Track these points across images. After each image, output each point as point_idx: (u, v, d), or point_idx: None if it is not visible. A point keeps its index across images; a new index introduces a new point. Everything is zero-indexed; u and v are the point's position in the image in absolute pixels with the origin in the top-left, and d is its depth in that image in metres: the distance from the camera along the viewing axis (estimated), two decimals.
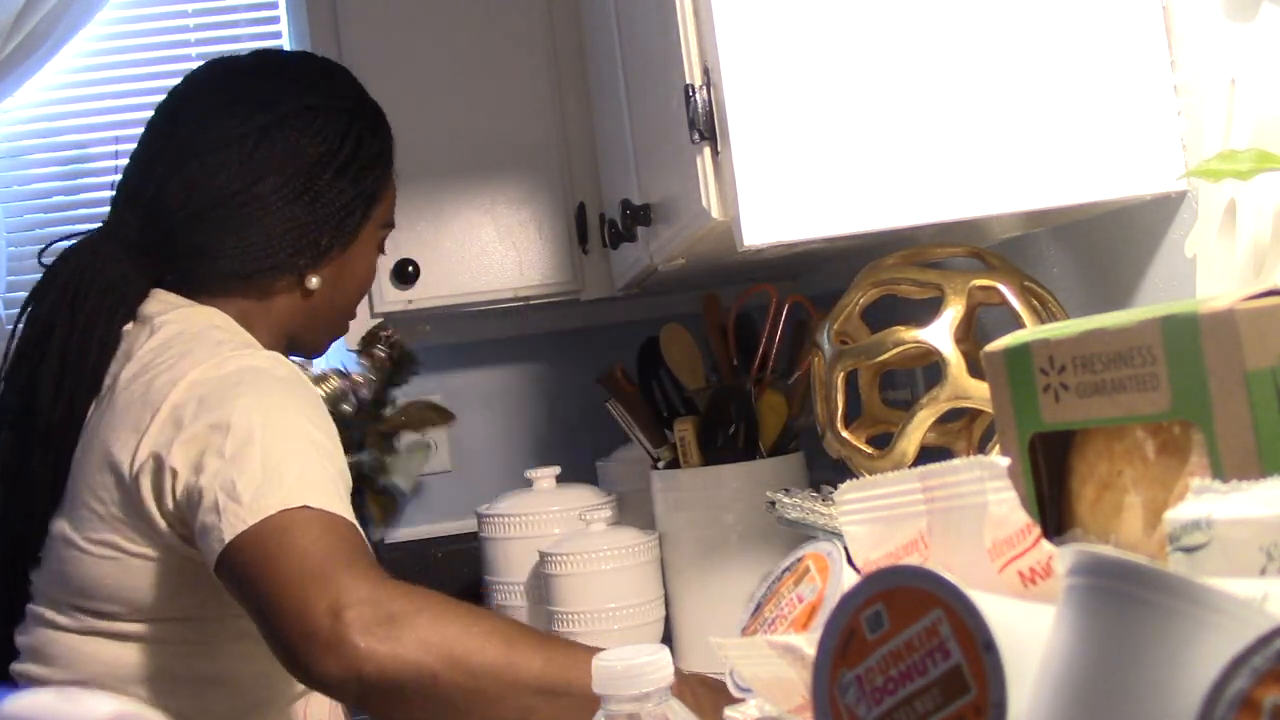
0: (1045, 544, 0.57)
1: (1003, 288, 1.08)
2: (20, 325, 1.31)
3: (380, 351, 1.90)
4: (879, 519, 0.66)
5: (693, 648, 1.54)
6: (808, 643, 0.61)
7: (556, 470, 1.77)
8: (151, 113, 1.37)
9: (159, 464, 1.15)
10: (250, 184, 1.30)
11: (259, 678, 1.21)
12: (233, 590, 1.10)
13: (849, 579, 0.70)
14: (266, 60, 1.43)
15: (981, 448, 1.17)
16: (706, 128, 1.08)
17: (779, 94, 1.05)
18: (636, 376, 1.69)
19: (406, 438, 1.95)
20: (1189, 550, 0.49)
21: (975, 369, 1.05)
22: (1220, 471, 0.56)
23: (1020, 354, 0.68)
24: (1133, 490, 0.63)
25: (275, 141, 1.31)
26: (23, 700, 0.82)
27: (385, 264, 1.85)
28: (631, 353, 1.71)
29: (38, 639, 1.26)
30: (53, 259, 1.34)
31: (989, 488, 0.59)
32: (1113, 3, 1.07)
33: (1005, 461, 0.59)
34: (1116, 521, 0.64)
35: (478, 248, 1.96)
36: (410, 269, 1.95)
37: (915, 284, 1.13)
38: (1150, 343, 0.60)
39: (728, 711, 0.79)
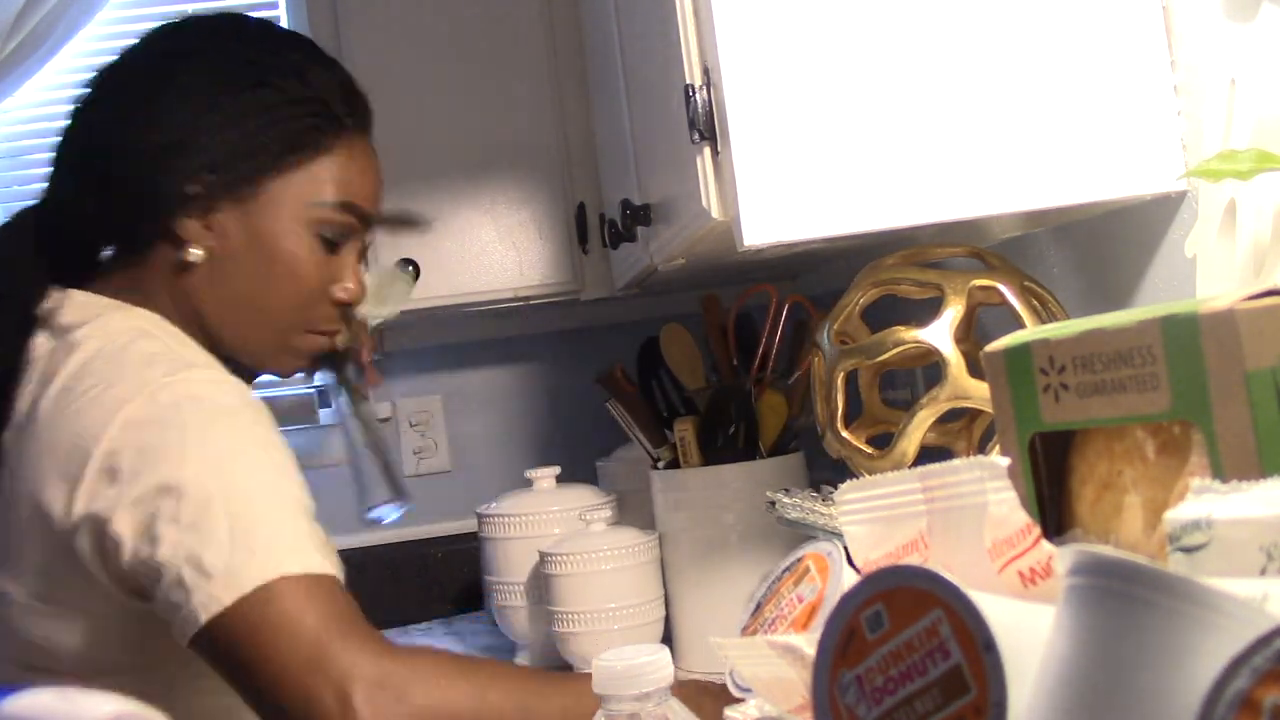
0: (1045, 544, 0.57)
1: (1003, 288, 1.08)
2: None
3: None
4: (879, 519, 0.66)
5: (693, 648, 1.54)
6: (808, 643, 0.61)
7: (556, 470, 1.77)
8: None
9: (99, 528, 1.03)
10: (113, 133, 1.16)
11: (225, 713, 1.13)
12: (214, 667, 1.03)
13: (849, 579, 0.70)
14: (175, 23, 1.27)
15: (981, 448, 1.17)
16: (706, 128, 1.08)
17: (779, 94, 1.05)
18: (636, 376, 1.69)
19: (381, 263, 1.71)
20: (1189, 550, 0.49)
21: (975, 369, 1.05)
22: (1220, 471, 0.56)
23: (1020, 354, 0.68)
24: (1133, 490, 0.63)
25: (144, 89, 1.18)
26: (23, 700, 0.82)
27: (384, 263, 1.84)
28: (631, 353, 1.71)
29: None
30: None
31: (989, 488, 0.59)
32: (1113, 3, 1.07)
33: (1005, 461, 0.59)
34: (1116, 521, 0.64)
35: (478, 248, 1.97)
36: (410, 269, 1.94)
37: (915, 284, 1.13)
38: (1150, 343, 0.60)
39: (728, 711, 0.80)
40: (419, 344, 2.25)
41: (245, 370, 1.22)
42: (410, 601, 2.17)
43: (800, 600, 0.72)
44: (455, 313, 2.06)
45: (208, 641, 1.01)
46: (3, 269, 1.18)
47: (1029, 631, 0.46)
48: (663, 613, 1.56)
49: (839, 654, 0.51)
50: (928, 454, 0.91)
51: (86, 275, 1.19)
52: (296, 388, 2.25)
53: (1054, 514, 0.69)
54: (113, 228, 1.19)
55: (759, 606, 0.75)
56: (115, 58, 1.22)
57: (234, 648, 1.00)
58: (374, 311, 1.47)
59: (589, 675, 1.07)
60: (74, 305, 1.15)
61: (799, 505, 1.12)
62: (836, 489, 0.69)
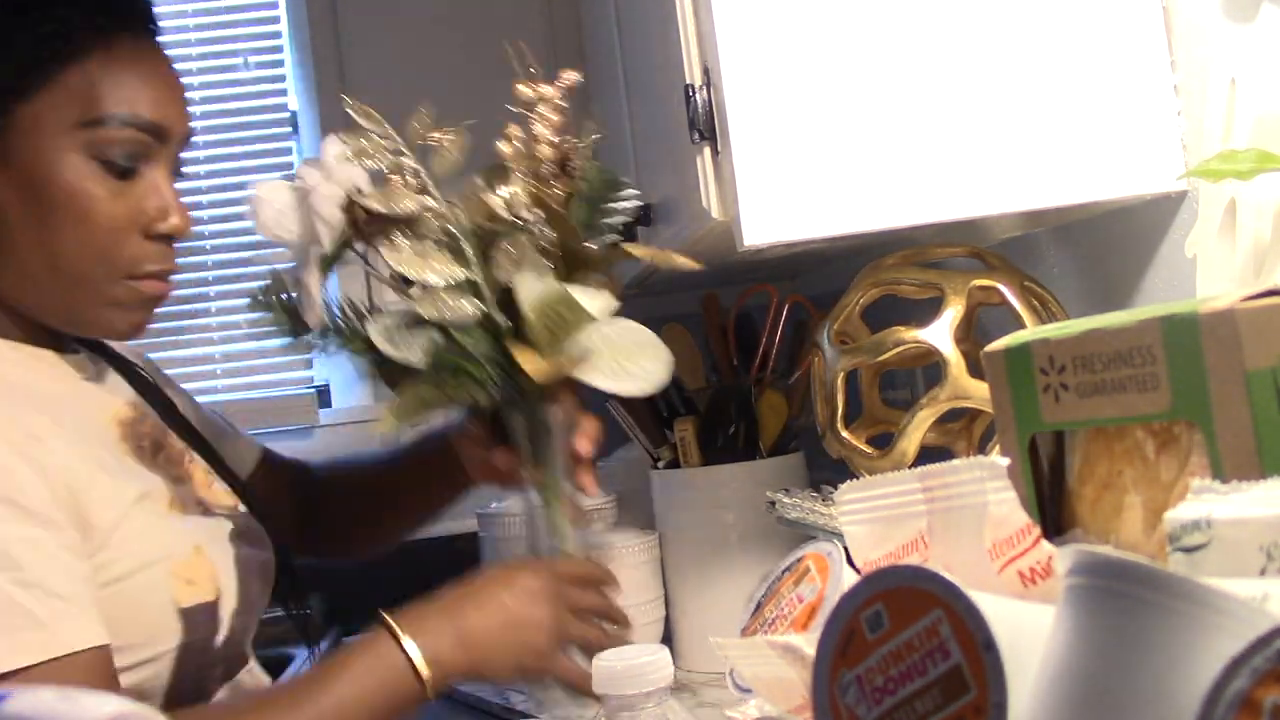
0: (1045, 544, 0.57)
1: (1003, 288, 1.08)
2: None
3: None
4: (879, 519, 0.66)
5: (693, 648, 1.54)
6: (808, 643, 0.61)
7: None
8: None
9: None
10: None
11: None
12: None
13: (849, 579, 0.70)
14: None
15: (981, 448, 1.17)
16: (706, 128, 1.08)
17: (779, 94, 1.05)
18: None
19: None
20: (1189, 550, 0.49)
21: (975, 369, 1.05)
22: (1220, 471, 0.56)
23: (1020, 354, 0.68)
24: (1133, 490, 0.63)
25: None
26: (23, 700, 0.82)
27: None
28: None
29: None
30: None
31: (989, 488, 0.59)
32: (1113, 3, 1.07)
33: (1005, 461, 0.59)
34: (1116, 521, 0.64)
35: None
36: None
37: (915, 284, 1.13)
38: (1150, 343, 0.60)
39: (728, 712, 0.80)
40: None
41: (67, 337, 1.06)
42: (410, 602, 2.17)
43: (800, 600, 0.72)
44: None
45: None
46: None
47: (1029, 631, 0.46)
48: (663, 613, 1.56)
49: (839, 654, 0.51)
50: (928, 454, 0.91)
51: None
52: (297, 388, 2.25)
53: (1054, 514, 0.69)
54: None
55: (759, 606, 0.75)
56: None
57: None
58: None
59: (327, 659, 0.98)
60: None
61: (799, 505, 1.12)
62: (836, 489, 0.69)
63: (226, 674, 1.08)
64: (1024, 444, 0.68)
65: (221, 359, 2.25)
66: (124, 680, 0.95)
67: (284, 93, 2.32)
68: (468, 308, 0.93)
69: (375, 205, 0.94)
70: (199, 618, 1.01)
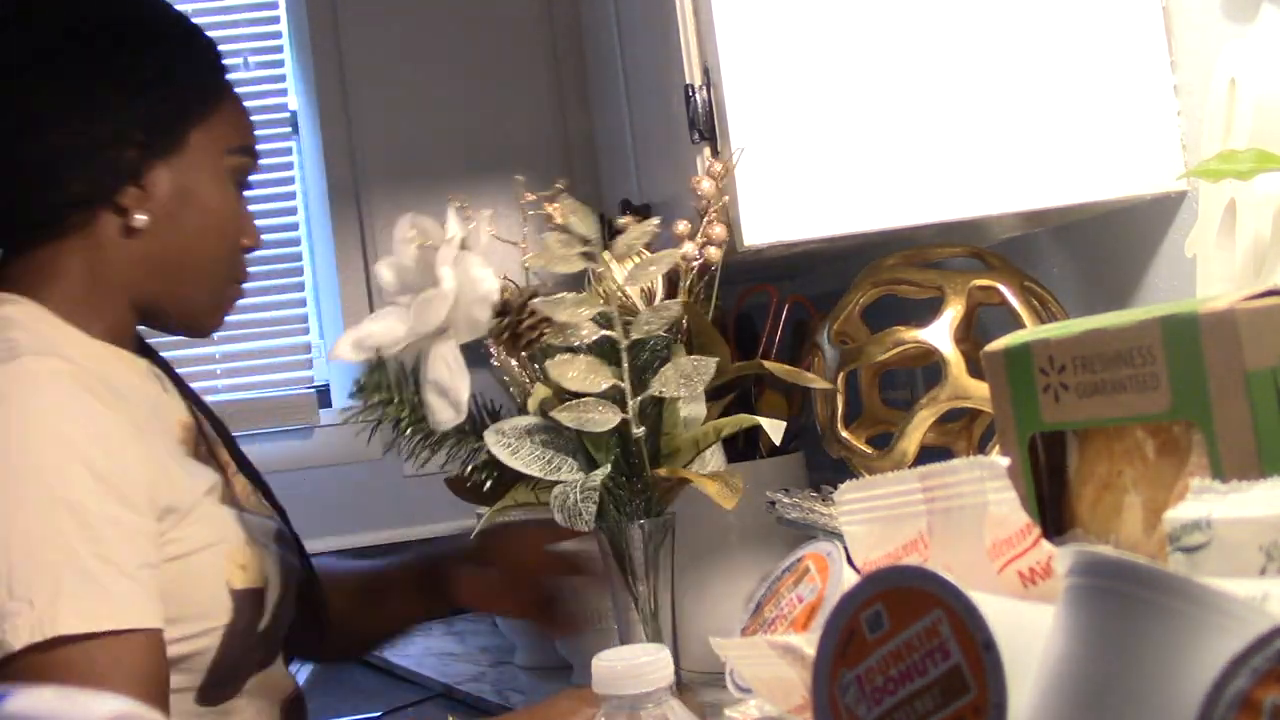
0: (1045, 544, 0.57)
1: (1003, 288, 1.08)
2: None
3: None
4: (879, 519, 0.66)
5: (693, 648, 1.53)
6: (808, 643, 0.61)
7: None
8: None
9: None
10: (16, 116, 1.12)
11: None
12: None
13: (849, 579, 0.70)
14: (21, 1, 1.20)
15: (981, 448, 1.17)
16: (706, 128, 1.08)
17: (779, 94, 1.05)
18: None
19: None
20: (1189, 550, 0.49)
21: (975, 369, 1.05)
22: (1220, 471, 0.56)
23: (1020, 354, 0.68)
24: (1133, 490, 0.63)
25: (37, 68, 1.13)
26: (23, 700, 0.82)
27: None
28: None
29: None
30: None
31: (989, 488, 0.59)
32: (1113, 3, 1.07)
33: (1005, 461, 0.59)
34: (1116, 521, 0.64)
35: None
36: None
37: (915, 284, 1.13)
38: (1150, 343, 0.60)
39: (728, 712, 0.79)
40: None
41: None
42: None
43: (800, 600, 0.72)
44: None
45: (10, 670, 0.94)
46: None
47: (1029, 631, 0.46)
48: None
49: (839, 654, 0.51)
50: (928, 454, 0.91)
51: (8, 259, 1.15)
52: (297, 388, 2.25)
53: (1054, 514, 0.69)
54: (33, 223, 1.13)
55: (759, 607, 0.75)
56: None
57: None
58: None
59: None
60: None
61: (799, 505, 1.12)
62: (836, 489, 0.69)
63: (263, 661, 1.15)
64: (1024, 444, 0.68)
65: (221, 359, 2.25)
66: (173, 650, 1.02)
67: (284, 92, 2.32)
68: (612, 417, 0.92)
69: (561, 316, 0.91)
70: (247, 602, 1.10)
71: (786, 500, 1.14)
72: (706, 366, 0.91)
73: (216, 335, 1.27)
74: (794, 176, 1.05)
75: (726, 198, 1.04)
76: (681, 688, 1.01)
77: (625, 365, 0.92)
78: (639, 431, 0.94)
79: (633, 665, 0.68)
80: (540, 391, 0.96)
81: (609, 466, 0.94)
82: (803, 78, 1.05)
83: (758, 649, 0.66)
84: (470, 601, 1.33)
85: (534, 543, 1.25)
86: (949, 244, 1.18)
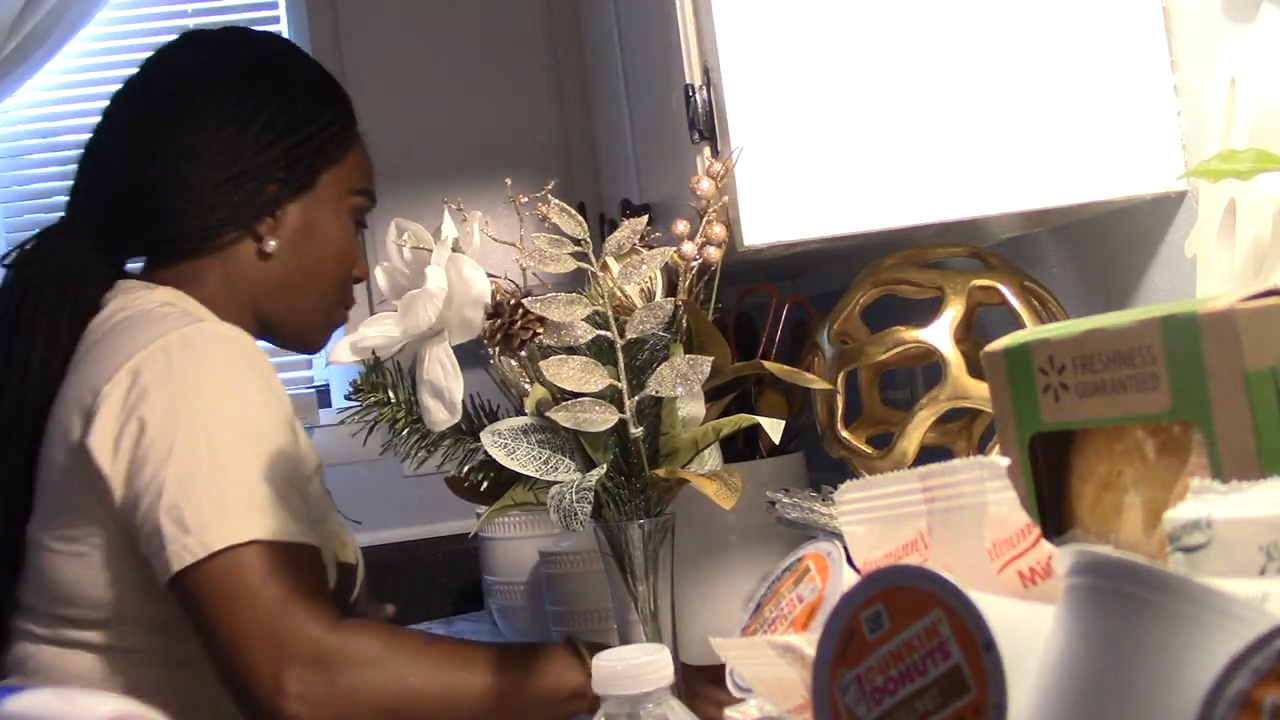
0: (1045, 544, 0.57)
1: (1003, 288, 1.08)
2: None
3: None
4: (879, 519, 0.66)
5: (693, 648, 1.53)
6: (808, 643, 0.61)
7: None
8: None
9: (95, 462, 1.13)
10: (179, 142, 1.29)
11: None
12: (184, 611, 1.11)
13: (849, 579, 0.70)
14: (199, 34, 1.44)
15: (981, 448, 1.17)
16: (706, 128, 1.08)
17: (779, 94, 1.05)
18: None
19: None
20: (1189, 550, 0.49)
21: (975, 369, 1.05)
22: (1220, 471, 0.56)
23: (1020, 354, 0.68)
24: (1133, 490, 0.63)
25: (201, 102, 1.31)
26: (22, 700, 0.82)
27: None
28: None
29: (18, 653, 1.24)
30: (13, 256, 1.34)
31: (989, 488, 0.59)
32: (1113, 3, 1.07)
33: (1005, 461, 0.59)
34: (1116, 521, 0.64)
35: (477, 249, 1.96)
36: None
37: (915, 284, 1.13)
38: (1150, 343, 0.60)
39: (728, 711, 0.80)
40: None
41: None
42: (411, 601, 2.17)
43: (800, 600, 0.72)
44: None
45: (178, 593, 1.09)
46: (69, 261, 1.30)
47: (1029, 631, 0.46)
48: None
49: (839, 654, 0.51)
50: (928, 454, 0.91)
51: (150, 266, 1.34)
52: (296, 387, 2.25)
53: (1054, 514, 0.69)
54: (187, 237, 1.30)
55: (759, 607, 0.75)
56: (144, 83, 1.36)
57: (197, 604, 1.08)
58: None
59: (518, 647, 1.11)
60: (119, 290, 1.29)
61: (799, 505, 1.12)
62: (836, 489, 0.69)
63: None
64: (1024, 444, 0.68)
65: None
66: None
67: None
68: (609, 417, 0.91)
69: (554, 315, 0.90)
70: (345, 575, 1.27)
71: (786, 500, 1.14)
72: (703, 366, 0.91)
73: None
74: (794, 176, 1.04)
75: (726, 198, 1.04)
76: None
77: (621, 365, 0.92)
78: (637, 431, 0.93)
79: (633, 665, 0.68)
80: (538, 392, 0.96)
81: (605, 466, 0.93)
82: (803, 78, 1.05)
83: (758, 649, 0.66)
84: None
85: None
86: (949, 244, 1.18)
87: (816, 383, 1.09)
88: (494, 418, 0.97)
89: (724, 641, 0.69)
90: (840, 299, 1.16)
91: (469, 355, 0.95)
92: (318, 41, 2.21)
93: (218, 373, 1.16)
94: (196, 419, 1.12)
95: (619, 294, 0.95)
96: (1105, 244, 1.21)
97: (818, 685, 0.52)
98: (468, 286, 0.91)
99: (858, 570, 0.69)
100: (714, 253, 1.01)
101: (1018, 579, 0.57)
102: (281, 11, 2.36)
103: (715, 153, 1.08)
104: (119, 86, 1.38)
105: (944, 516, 0.62)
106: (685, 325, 1.00)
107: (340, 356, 0.94)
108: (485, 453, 0.92)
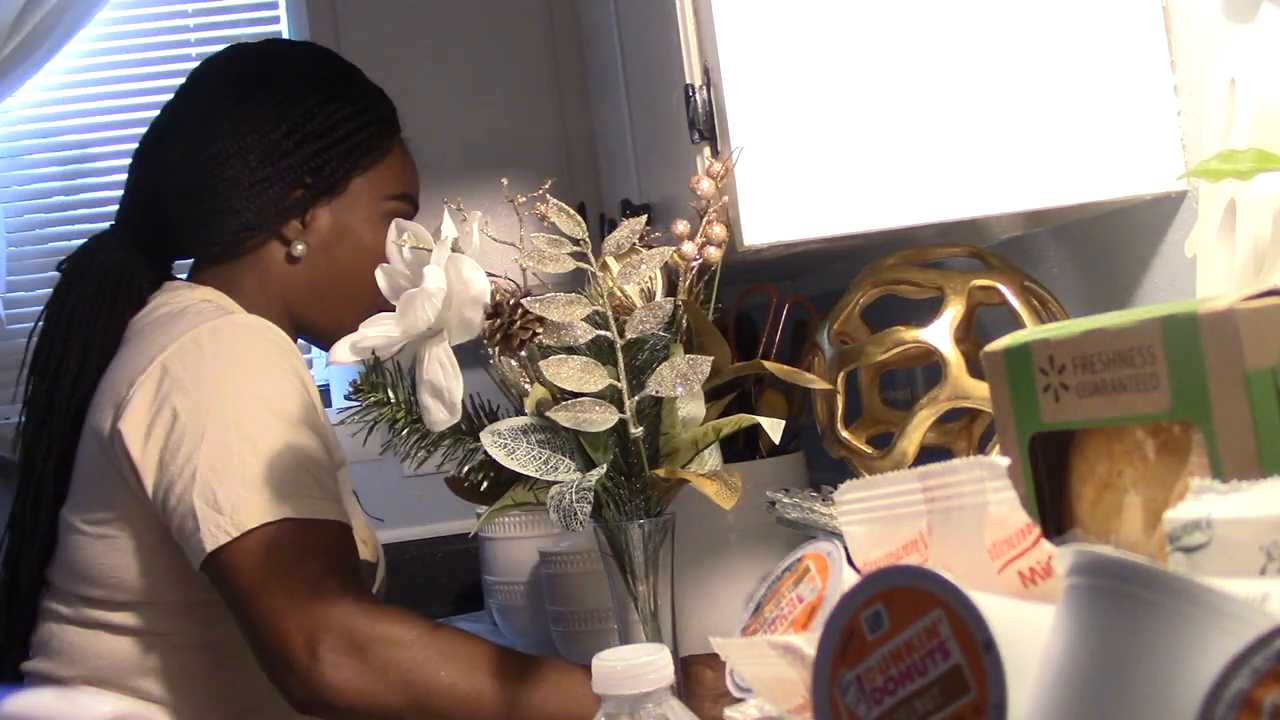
0: (1045, 544, 0.57)
1: (1003, 288, 1.08)
2: (40, 326, 1.38)
3: None
4: (879, 519, 0.66)
5: (693, 648, 1.53)
6: (808, 643, 0.61)
7: None
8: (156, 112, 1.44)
9: (127, 449, 1.17)
10: (207, 148, 1.33)
11: (257, 675, 1.22)
12: (218, 591, 1.15)
13: (849, 579, 0.70)
14: (241, 46, 1.49)
15: (981, 448, 1.17)
16: (706, 128, 1.08)
17: (779, 94, 1.05)
18: None
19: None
20: (1189, 550, 0.49)
21: (975, 369, 1.05)
22: (1220, 471, 0.56)
23: (1020, 354, 0.68)
24: (1133, 490, 0.63)
25: (229, 110, 1.35)
26: (23, 700, 0.82)
27: None
28: None
29: (43, 633, 1.29)
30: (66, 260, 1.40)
31: (989, 488, 0.59)
32: (1113, 3, 1.07)
33: (1005, 461, 0.59)
34: (1116, 521, 0.64)
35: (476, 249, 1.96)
36: None
37: (915, 284, 1.13)
38: (1150, 343, 0.60)
39: (728, 711, 0.80)
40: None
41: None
42: (410, 601, 2.16)
43: (800, 600, 0.72)
44: None
45: (211, 572, 1.12)
46: (115, 262, 1.35)
47: (1029, 631, 0.46)
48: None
49: (839, 654, 0.51)
50: (928, 454, 0.91)
51: (194, 268, 1.40)
52: None
53: (1054, 514, 0.69)
54: (217, 240, 1.34)
55: (759, 607, 0.75)
56: (187, 90, 1.40)
57: (231, 581, 1.11)
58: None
59: (558, 669, 1.12)
60: (164, 290, 1.34)
61: (799, 505, 1.12)
62: (836, 489, 0.69)
63: None
64: (1024, 444, 0.68)
65: None
66: None
67: None
68: (609, 417, 0.91)
69: (553, 315, 0.89)
70: (365, 572, 1.26)
71: (786, 500, 1.14)
72: (703, 366, 0.91)
73: None
74: (794, 176, 1.04)
75: (726, 198, 1.04)
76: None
77: (621, 365, 0.92)
78: (637, 431, 0.93)
79: (633, 665, 0.68)
80: (538, 392, 0.96)
81: (605, 466, 0.93)
82: (803, 78, 1.05)
83: (758, 649, 0.66)
84: None
85: None
86: (949, 244, 1.18)
87: (816, 383, 1.09)
88: (494, 418, 0.97)
89: (724, 641, 0.69)
90: (840, 299, 1.16)
91: (469, 355, 0.95)
92: (317, 42, 2.21)
93: (248, 361, 1.20)
94: (227, 405, 1.16)
95: (619, 294, 0.95)
96: (1105, 244, 1.21)
97: (818, 685, 0.52)
98: (467, 286, 0.91)
99: (858, 570, 0.69)
100: (714, 253, 1.01)
101: (1018, 579, 0.57)
102: (281, 11, 2.36)
103: (715, 153, 1.08)
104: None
105: (944, 516, 0.62)
106: (685, 325, 1.00)
107: (340, 356, 0.94)
108: (485, 453, 0.92)
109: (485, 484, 0.97)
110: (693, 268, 1.00)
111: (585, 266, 0.92)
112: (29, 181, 2.37)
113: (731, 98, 1.05)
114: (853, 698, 0.50)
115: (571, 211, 0.94)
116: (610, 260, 0.93)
